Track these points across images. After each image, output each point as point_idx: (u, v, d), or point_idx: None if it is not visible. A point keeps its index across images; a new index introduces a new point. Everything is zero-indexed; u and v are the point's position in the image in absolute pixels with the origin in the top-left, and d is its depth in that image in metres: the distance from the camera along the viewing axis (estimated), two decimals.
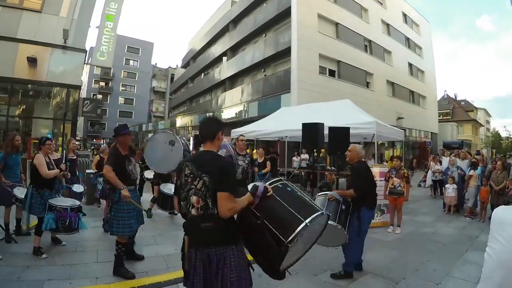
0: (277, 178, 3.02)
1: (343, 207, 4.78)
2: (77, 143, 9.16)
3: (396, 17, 31.90)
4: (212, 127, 2.86)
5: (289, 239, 2.44)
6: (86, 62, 13.40)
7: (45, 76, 11.81)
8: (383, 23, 29.71)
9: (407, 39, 33.50)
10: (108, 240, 6.23)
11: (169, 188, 8.12)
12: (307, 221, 2.51)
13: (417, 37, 35.33)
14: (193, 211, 2.63)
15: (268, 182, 2.91)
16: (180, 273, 4.49)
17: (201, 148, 2.90)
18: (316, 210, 2.74)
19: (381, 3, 30.07)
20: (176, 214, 8.59)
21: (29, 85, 12.40)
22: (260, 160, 9.80)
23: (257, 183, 2.92)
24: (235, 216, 2.70)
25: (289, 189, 2.89)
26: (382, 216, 8.27)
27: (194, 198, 2.61)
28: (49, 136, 5.77)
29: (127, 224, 4.81)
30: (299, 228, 2.47)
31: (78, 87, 12.56)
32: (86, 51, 12.94)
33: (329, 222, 3.73)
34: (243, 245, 2.72)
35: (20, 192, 6.00)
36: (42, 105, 13.20)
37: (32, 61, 11.41)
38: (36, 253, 5.21)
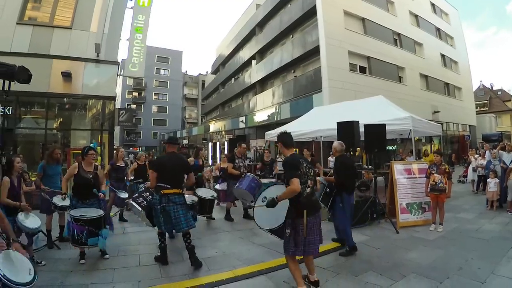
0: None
1: (328, 190, 6.20)
2: (124, 151, 9.32)
3: (424, 8, 30.51)
4: (290, 137, 4.55)
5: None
6: (119, 74, 13.55)
7: (80, 89, 11.98)
8: (411, 15, 28.51)
9: (438, 29, 32.03)
10: (149, 244, 6.37)
11: (204, 192, 8.05)
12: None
13: (448, 26, 33.77)
14: (308, 190, 4.14)
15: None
16: (221, 276, 4.87)
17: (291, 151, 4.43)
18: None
19: None
20: (213, 219, 8.59)
21: (65, 99, 12.64)
22: None
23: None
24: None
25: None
26: (423, 214, 7.94)
27: (309, 182, 4.16)
28: (92, 146, 5.85)
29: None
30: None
31: (113, 98, 12.73)
32: (119, 63, 13.09)
33: None
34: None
35: (59, 200, 6.21)
36: (79, 117, 13.44)
37: (67, 75, 11.59)
38: (81, 257, 5.44)
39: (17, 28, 11.37)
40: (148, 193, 6.02)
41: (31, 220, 5.04)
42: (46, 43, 11.56)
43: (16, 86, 5.89)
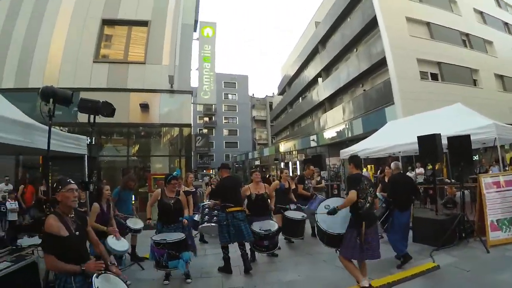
0: None
1: (384, 205, 6.89)
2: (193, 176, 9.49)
3: (488, 3, 27.86)
4: (360, 160, 5.46)
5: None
6: (192, 101, 14.05)
7: (157, 118, 12.58)
8: (476, 12, 26.19)
9: (505, 24, 28.81)
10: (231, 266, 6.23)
11: (293, 213, 7.72)
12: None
13: None
14: (368, 205, 4.73)
15: None
16: None
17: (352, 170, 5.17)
18: None
19: None
20: (293, 242, 8.20)
21: (140, 128, 13.34)
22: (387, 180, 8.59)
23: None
24: None
25: None
26: None
27: (369, 198, 4.78)
28: (176, 174, 6.03)
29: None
30: None
31: (189, 125, 13.18)
32: (192, 92, 13.55)
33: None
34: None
35: (132, 222, 6.68)
36: (155, 143, 14.06)
37: (145, 106, 12.20)
38: (166, 278, 5.61)
39: (94, 66, 12.34)
40: (216, 211, 6.88)
41: (120, 243, 5.26)
42: (123, 78, 12.36)
43: (100, 119, 6.20)
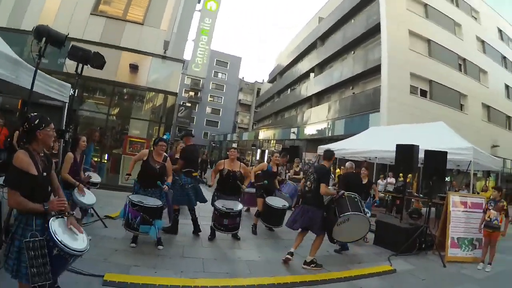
0: (354, 194, 6.19)
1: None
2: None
3: (492, 33, 28.45)
4: (330, 154, 6.16)
5: (341, 215, 5.70)
6: (182, 72, 13.84)
7: (145, 82, 12.36)
8: (477, 40, 26.68)
9: (504, 57, 29.33)
10: (194, 237, 6.57)
11: (274, 200, 7.60)
12: (351, 212, 5.75)
13: None
14: (306, 188, 5.87)
15: (347, 193, 6.08)
16: (263, 280, 4.84)
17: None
18: (361, 211, 5.91)
19: (475, 18, 27.11)
20: (273, 230, 8.08)
21: (125, 89, 13.03)
22: (364, 181, 8.21)
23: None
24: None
25: (356, 199, 6.09)
26: (473, 251, 7.36)
27: (308, 183, 5.87)
28: (165, 137, 6.01)
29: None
30: (347, 213, 5.73)
31: (175, 94, 12.97)
32: (184, 61, 13.36)
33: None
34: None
35: (93, 175, 6.74)
36: (137, 107, 13.77)
37: (134, 67, 11.98)
38: (133, 241, 5.56)
39: (90, 18, 11.95)
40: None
41: (87, 197, 5.27)
42: (118, 35, 12.04)
43: (87, 70, 6.08)
